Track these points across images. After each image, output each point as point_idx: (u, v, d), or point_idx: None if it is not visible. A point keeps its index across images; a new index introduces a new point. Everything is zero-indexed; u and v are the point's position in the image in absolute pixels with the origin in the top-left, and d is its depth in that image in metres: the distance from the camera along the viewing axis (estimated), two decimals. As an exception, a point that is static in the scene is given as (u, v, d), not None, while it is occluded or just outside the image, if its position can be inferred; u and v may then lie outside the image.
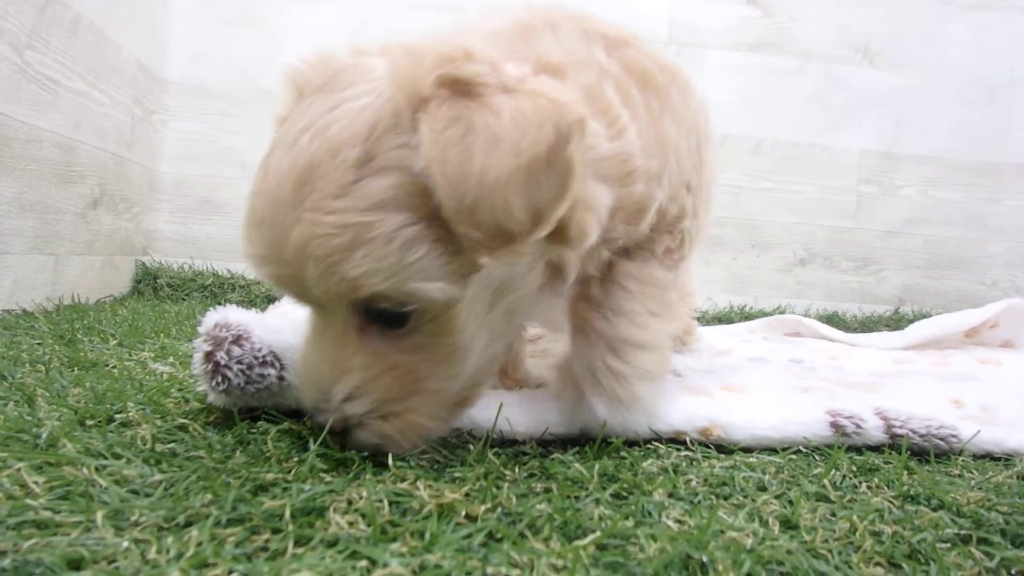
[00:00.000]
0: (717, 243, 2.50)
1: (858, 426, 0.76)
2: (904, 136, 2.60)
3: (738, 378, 0.98)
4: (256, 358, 0.72)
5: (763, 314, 2.44)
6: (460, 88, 0.53)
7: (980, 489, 0.63)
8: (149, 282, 2.09)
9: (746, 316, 2.42)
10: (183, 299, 2.06)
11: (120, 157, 1.88)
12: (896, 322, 2.52)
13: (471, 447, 0.66)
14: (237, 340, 0.74)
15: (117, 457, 0.54)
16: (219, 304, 2.06)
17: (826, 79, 2.54)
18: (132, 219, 2.03)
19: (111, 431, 0.63)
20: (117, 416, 0.67)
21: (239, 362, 0.73)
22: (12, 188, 1.38)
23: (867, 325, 2.49)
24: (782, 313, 2.45)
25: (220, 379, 0.72)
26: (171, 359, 1.04)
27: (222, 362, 0.72)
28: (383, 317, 0.56)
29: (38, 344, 1.08)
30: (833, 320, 2.49)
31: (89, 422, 0.65)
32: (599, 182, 0.60)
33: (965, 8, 2.54)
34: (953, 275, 2.68)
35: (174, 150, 2.20)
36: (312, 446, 0.56)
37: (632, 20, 2.40)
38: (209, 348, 0.73)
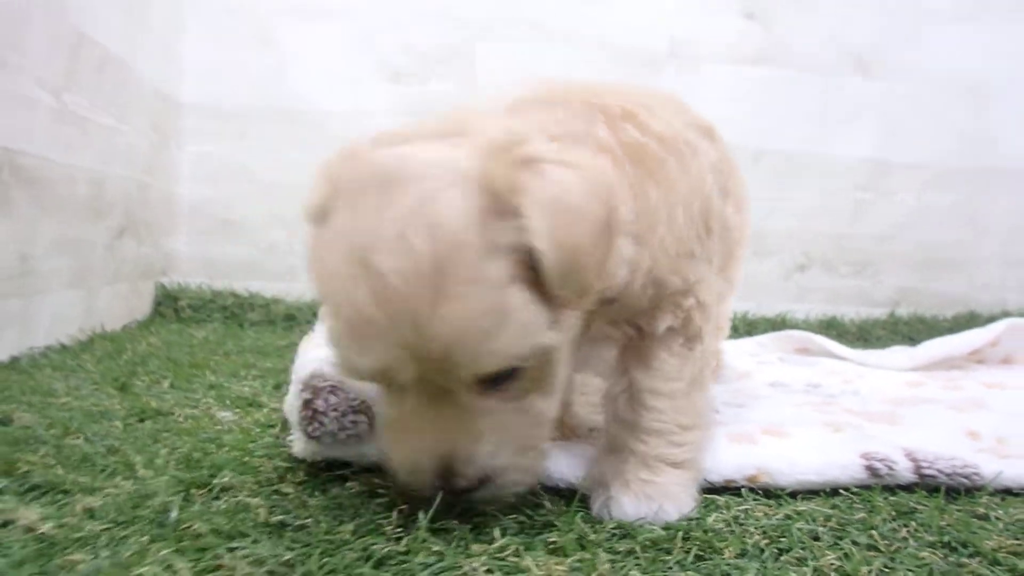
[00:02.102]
0: (720, 252, 2.54)
1: (890, 468, 0.82)
2: (898, 143, 2.65)
3: (772, 416, 1.04)
4: (351, 406, 0.79)
5: (765, 320, 2.52)
6: (534, 168, 0.59)
7: (1008, 531, 0.70)
8: (170, 304, 2.12)
9: (748, 323, 2.48)
10: (204, 321, 2.09)
11: (142, 183, 1.92)
12: (892, 324, 2.59)
13: (547, 503, 0.72)
14: (334, 390, 0.81)
15: (244, 536, 0.59)
16: (241, 327, 2.09)
17: (823, 90, 2.59)
18: (153, 244, 2.07)
19: (217, 499, 0.68)
20: (215, 482, 0.72)
21: (335, 409, 0.79)
22: (53, 229, 1.43)
23: (865, 328, 2.55)
24: (783, 319, 2.55)
25: (317, 425, 0.79)
26: (228, 402, 1.09)
27: (320, 408, 0.79)
28: (489, 380, 0.61)
29: (95, 388, 1.12)
30: (833, 324, 2.55)
31: (194, 491, 0.70)
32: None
33: (956, 18, 2.60)
34: (947, 277, 2.73)
35: (191, 172, 2.23)
36: (423, 518, 0.62)
37: (632, 37, 2.47)
38: (309, 396, 0.80)
